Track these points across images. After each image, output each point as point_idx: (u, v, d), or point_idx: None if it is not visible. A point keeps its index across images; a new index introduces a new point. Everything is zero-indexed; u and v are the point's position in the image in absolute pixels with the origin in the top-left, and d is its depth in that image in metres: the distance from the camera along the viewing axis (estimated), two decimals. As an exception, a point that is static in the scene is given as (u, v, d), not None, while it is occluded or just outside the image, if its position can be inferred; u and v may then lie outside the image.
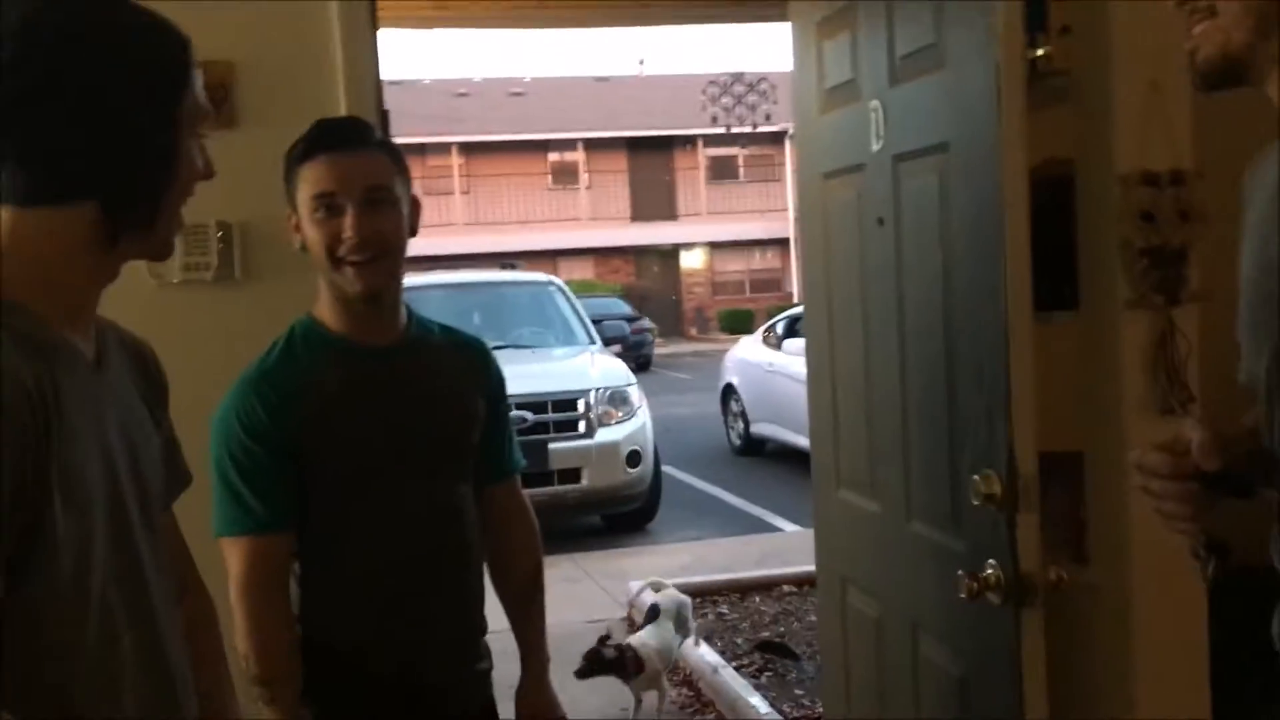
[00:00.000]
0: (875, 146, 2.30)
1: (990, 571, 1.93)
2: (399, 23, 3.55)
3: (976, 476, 1.94)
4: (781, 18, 2.76)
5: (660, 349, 22.95)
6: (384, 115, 2.63)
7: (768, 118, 21.78)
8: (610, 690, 4.19)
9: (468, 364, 1.93)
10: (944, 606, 2.15)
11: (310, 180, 1.71)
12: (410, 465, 1.79)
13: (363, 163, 1.71)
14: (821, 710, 3.46)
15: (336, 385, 1.75)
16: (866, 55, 2.33)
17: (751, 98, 22.23)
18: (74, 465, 1.10)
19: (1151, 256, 1.97)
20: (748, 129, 22.56)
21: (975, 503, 1.95)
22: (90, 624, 1.13)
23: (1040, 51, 2.01)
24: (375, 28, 2.59)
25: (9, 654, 1.03)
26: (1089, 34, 2.15)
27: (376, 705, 1.78)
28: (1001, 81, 1.85)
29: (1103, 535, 2.13)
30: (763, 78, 22.31)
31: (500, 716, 1.97)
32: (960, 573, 1.97)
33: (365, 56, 2.54)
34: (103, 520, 1.14)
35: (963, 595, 1.95)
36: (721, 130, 23.53)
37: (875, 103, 2.28)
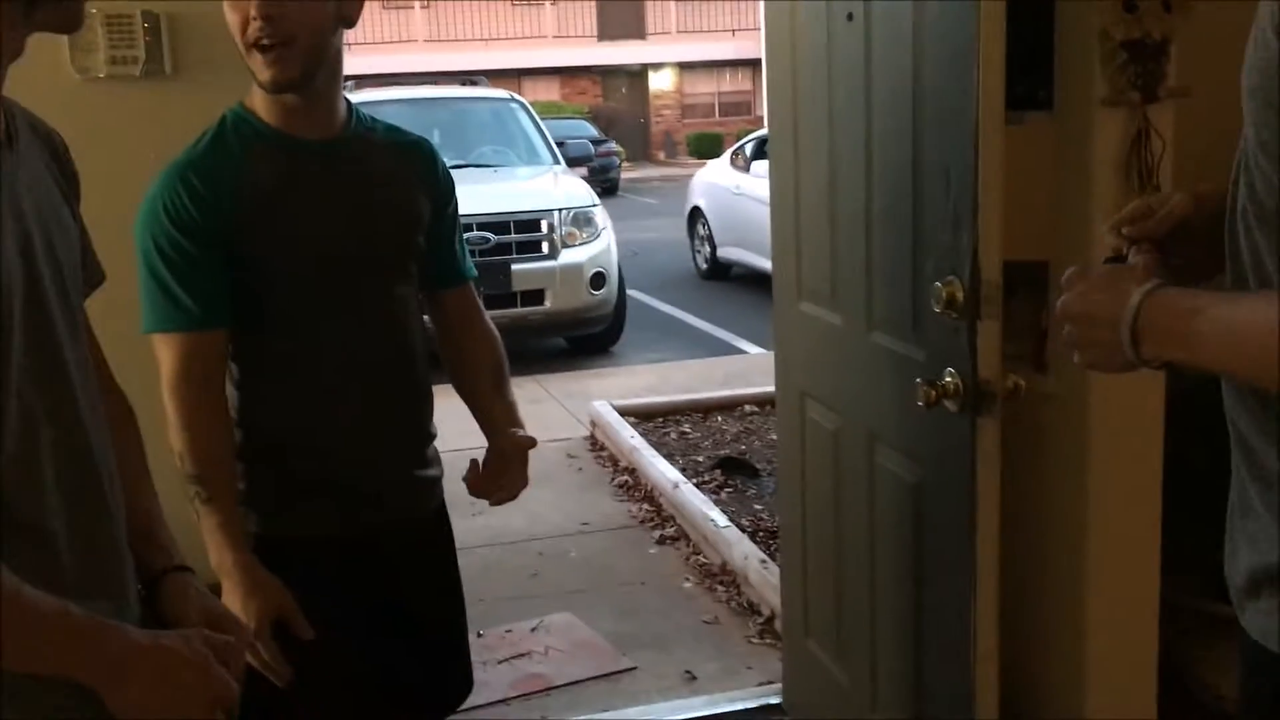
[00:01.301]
0: (847, -66, 2.16)
1: (949, 379, 1.91)
2: None
3: (939, 283, 1.90)
4: None
5: (627, 173, 22.61)
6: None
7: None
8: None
9: (411, 164, 1.84)
10: (901, 416, 2.14)
11: None
12: (349, 263, 1.72)
13: None
14: (778, 523, 3.52)
15: (270, 179, 1.67)
16: None
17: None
18: None
19: (1131, 50, 1.88)
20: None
21: (936, 309, 1.91)
22: (8, 419, 1.07)
23: None
24: None
25: None
26: None
27: (321, 509, 1.75)
28: None
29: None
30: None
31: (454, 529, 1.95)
32: (919, 380, 1.95)
33: None
34: (19, 311, 1.08)
35: (920, 403, 1.93)
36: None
37: (848, -115, 2.14)
